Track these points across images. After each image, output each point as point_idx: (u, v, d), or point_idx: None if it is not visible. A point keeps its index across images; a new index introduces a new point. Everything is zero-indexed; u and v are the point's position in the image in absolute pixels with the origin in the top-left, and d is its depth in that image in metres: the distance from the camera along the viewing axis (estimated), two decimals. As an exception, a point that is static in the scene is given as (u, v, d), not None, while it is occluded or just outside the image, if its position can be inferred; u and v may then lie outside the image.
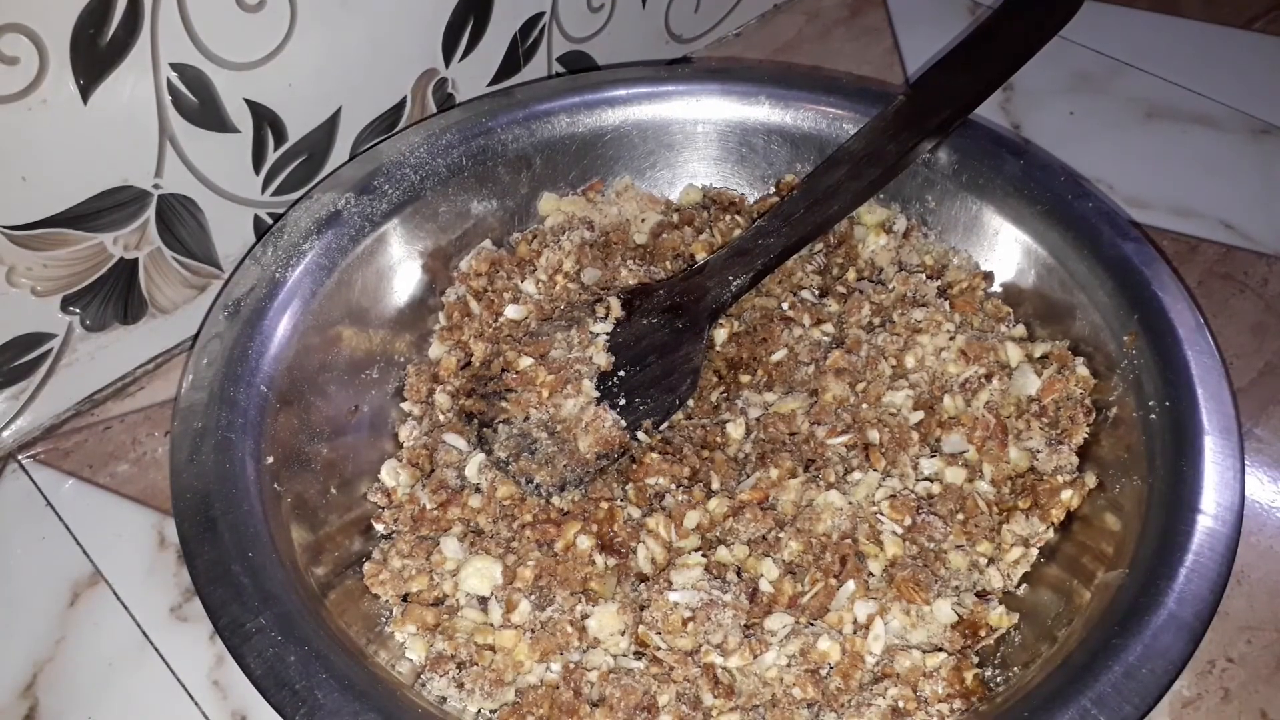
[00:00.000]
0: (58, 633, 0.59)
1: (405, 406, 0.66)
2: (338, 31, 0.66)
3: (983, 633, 0.56)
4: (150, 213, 0.64)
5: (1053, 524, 0.59)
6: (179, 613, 0.60)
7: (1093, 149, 0.86)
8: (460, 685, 0.53)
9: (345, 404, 0.64)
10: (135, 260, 0.66)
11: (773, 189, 0.76)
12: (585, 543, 0.57)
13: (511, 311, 0.67)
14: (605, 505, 0.58)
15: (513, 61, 0.79)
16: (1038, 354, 0.65)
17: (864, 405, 0.62)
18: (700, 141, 0.75)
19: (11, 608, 0.60)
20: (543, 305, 0.67)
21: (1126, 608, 0.50)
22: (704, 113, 0.74)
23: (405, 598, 0.57)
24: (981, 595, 0.57)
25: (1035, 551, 0.59)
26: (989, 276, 0.69)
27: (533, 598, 0.55)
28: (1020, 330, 0.67)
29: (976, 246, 0.70)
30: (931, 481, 0.60)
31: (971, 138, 0.70)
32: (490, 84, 0.79)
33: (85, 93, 0.57)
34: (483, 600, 0.56)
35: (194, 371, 0.58)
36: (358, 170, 0.67)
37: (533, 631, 0.54)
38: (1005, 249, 0.69)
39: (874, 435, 0.61)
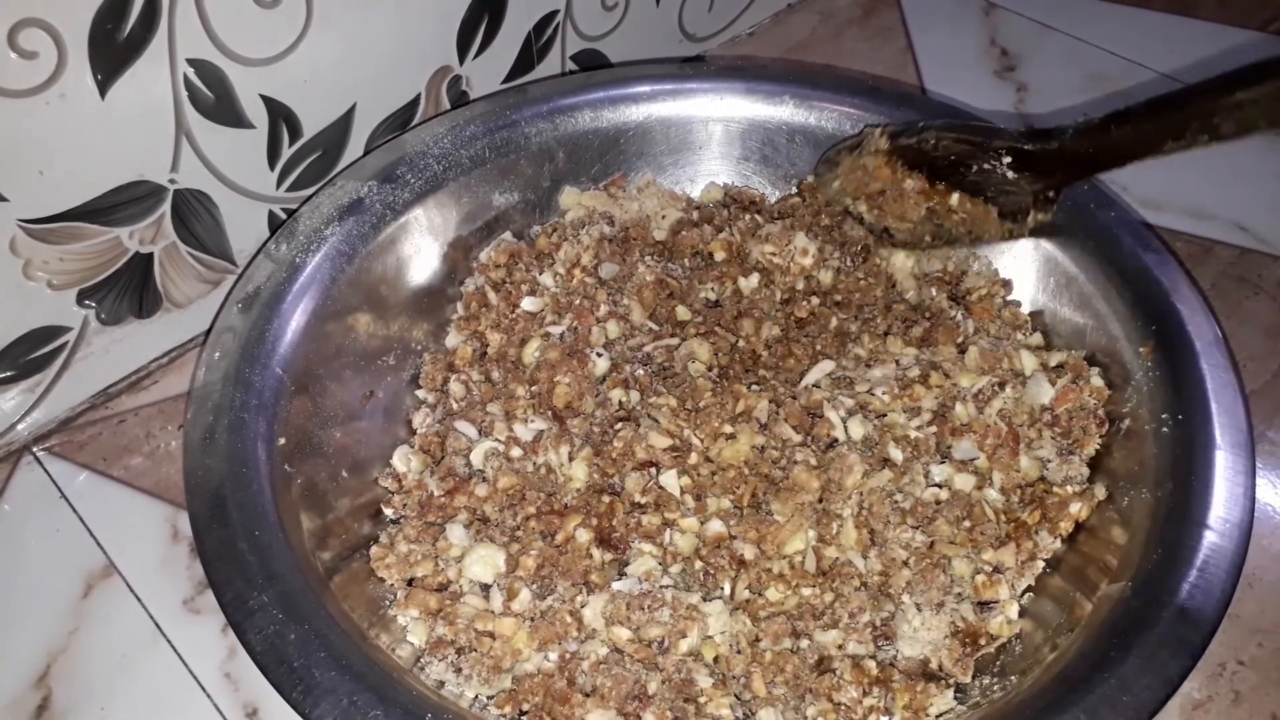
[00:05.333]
0: (71, 624, 0.60)
1: (420, 394, 0.67)
2: (353, 28, 0.66)
3: (983, 641, 0.56)
4: (166, 207, 0.64)
5: (1060, 536, 0.59)
6: (191, 605, 0.61)
7: (1106, 150, 0.85)
8: (458, 670, 0.54)
9: (360, 389, 0.64)
10: (151, 255, 0.66)
11: (795, 189, 0.76)
12: (584, 536, 0.57)
13: (528, 304, 0.68)
14: (607, 500, 0.59)
15: (526, 59, 0.79)
16: (1053, 363, 0.65)
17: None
18: (723, 140, 0.75)
19: (26, 599, 0.61)
20: (559, 298, 0.67)
21: (1127, 621, 0.50)
22: (727, 111, 0.74)
23: (410, 582, 0.58)
24: (985, 604, 0.57)
25: (1041, 563, 0.59)
26: (1007, 284, 0.69)
27: (534, 587, 0.56)
28: (1037, 338, 0.67)
29: (995, 251, 0.70)
30: (940, 487, 0.60)
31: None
32: (504, 81, 0.79)
33: (103, 88, 0.57)
34: (485, 587, 0.57)
35: (206, 365, 0.58)
36: (381, 159, 0.68)
37: (532, 620, 0.55)
38: (1024, 255, 0.68)
39: (895, 454, 0.61)
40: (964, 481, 0.60)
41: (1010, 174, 0.58)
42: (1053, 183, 0.58)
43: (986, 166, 0.58)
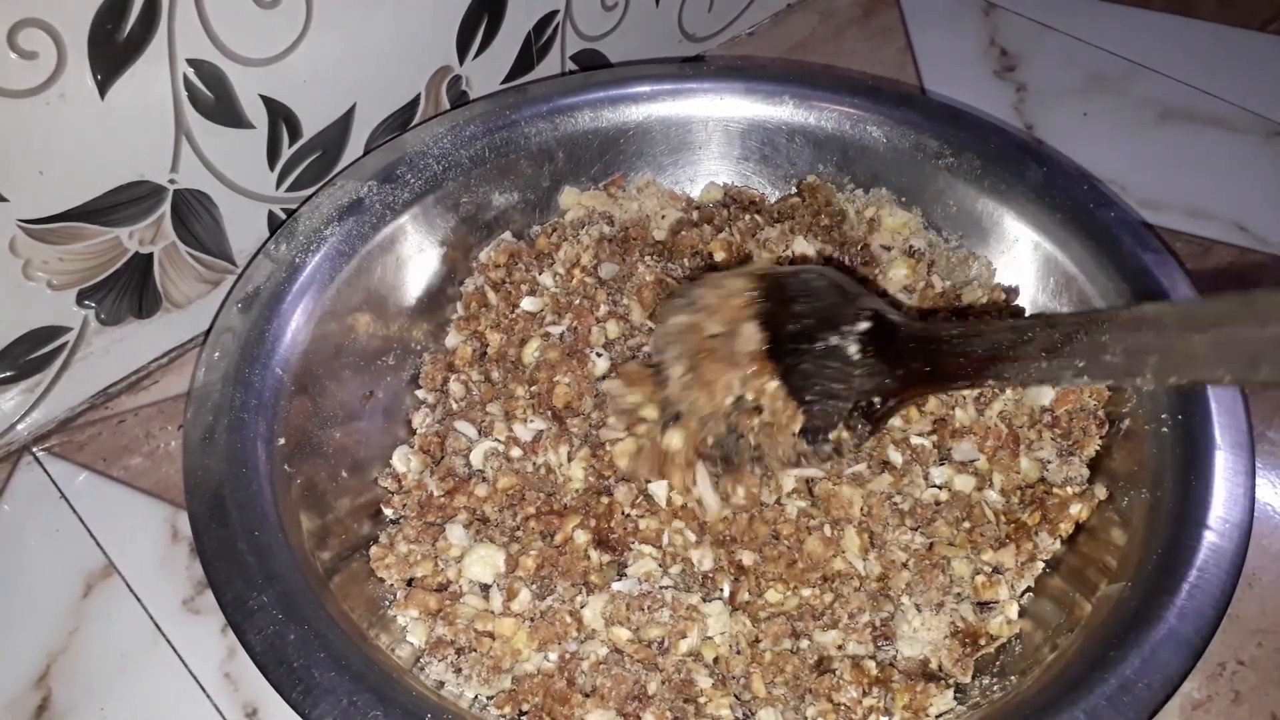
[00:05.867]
0: (71, 624, 0.60)
1: (420, 394, 0.67)
2: (353, 28, 0.66)
3: (983, 641, 0.56)
4: (166, 208, 0.64)
5: (1060, 537, 0.59)
6: (191, 605, 0.61)
7: (1106, 150, 0.85)
8: (458, 670, 0.54)
9: (360, 389, 0.64)
10: (150, 255, 0.66)
11: (794, 189, 0.76)
12: (582, 537, 0.57)
13: (528, 304, 0.68)
14: (606, 501, 0.58)
15: (526, 59, 0.79)
16: None
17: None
18: (723, 140, 0.75)
19: (25, 599, 0.61)
20: (559, 298, 0.67)
21: (1127, 621, 0.50)
22: (727, 111, 0.74)
23: (410, 582, 0.58)
24: (984, 605, 0.57)
25: (1041, 564, 0.59)
26: (1010, 291, 0.69)
27: (534, 587, 0.56)
28: None
29: (995, 252, 0.70)
30: (940, 489, 0.60)
31: (996, 143, 0.70)
32: (504, 82, 0.79)
33: (103, 88, 0.57)
34: (485, 587, 0.57)
35: (206, 365, 0.58)
36: (381, 159, 0.68)
37: (532, 620, 0.55)
38: (1024, 256, 0.68)
39: (895, 456, 0.61)
40: (964, 483, 0.60)
41: (856, 351, 0.49)
42: (888, 386, 0.49)
43: (834, 341, 0.49)
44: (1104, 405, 0.62)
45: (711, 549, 0.57)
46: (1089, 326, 0.44)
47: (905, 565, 0.57)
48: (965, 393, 0.63)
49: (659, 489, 0.58)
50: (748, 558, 0.57)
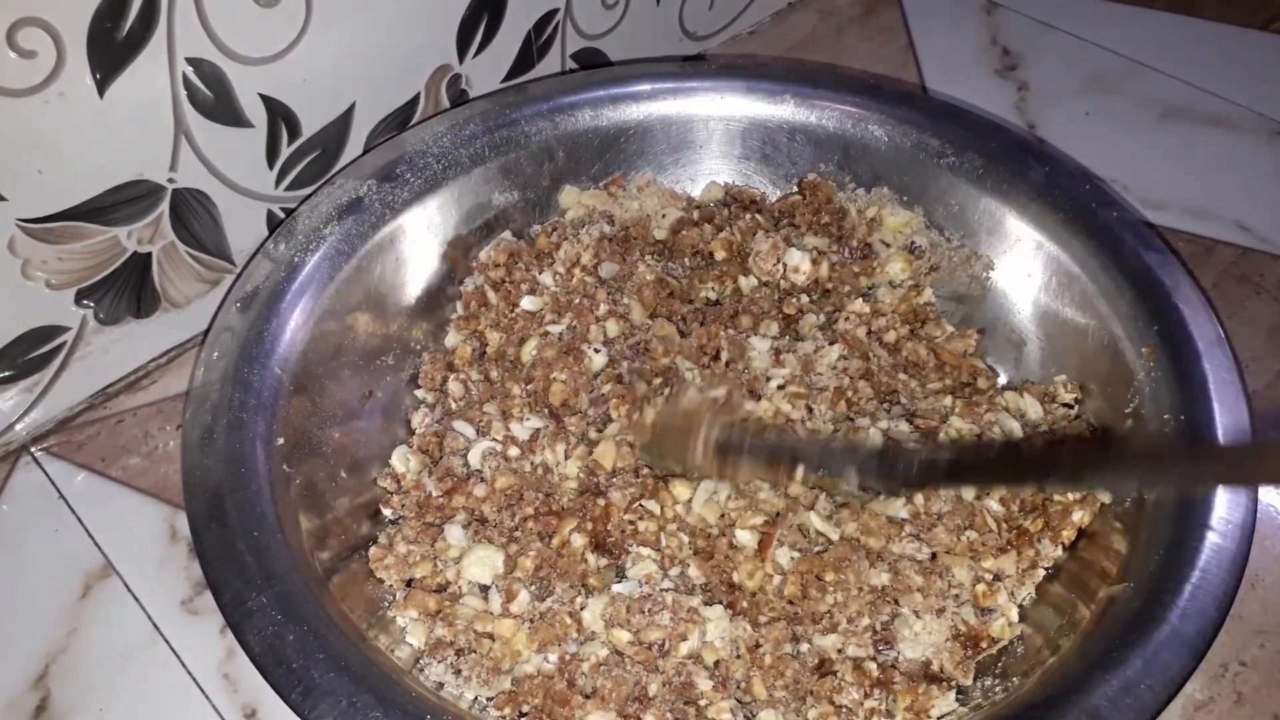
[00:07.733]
0: (70, 624, 0.60)
1: (419, 394, 0.67)
2: (352, 27, 0.66)
3: (984, 644, 0.55)
4: (164, 207, 0.64)
5: (1062, 544, 0.58)
6: (190, 606, 0.60)
7: (1108, 149, 0.85)
8: (458, 671, 0.54)
9: (359, 389, 0.64)
10: (149, 254, 0.66)
11: (795, 188, 0.75)
12: (579, 540, 0.57)
13: (528, 303, 0.67)
14: (602, 504, 0.58)
15: (526, 58, 0.79)
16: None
17: None
18: (723, 139, 0.75)
19: (24, 599, 0.61)
20: (559, 298, 0.67)
21: (1129, 622, 0.50)
22: (728, 110, 0.74)
23: (409, 583, 0.58)
24: (986, 611, 0.57)
25: (1042, 571, 0.58)
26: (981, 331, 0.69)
27: (533, 588, 0.56)
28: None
29: (997, 252, 0.69)
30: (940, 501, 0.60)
31: (998, 142, 0.70)
32: (504, 80, 0.79)
33: (102, 87, 0.57)
34: (484, 588, 0.57)
35: (204, 364, 0.58)
36: (381, 158, 0.67)
37: (531, 621, 0.55)
38: (1026, 255, 0.68)
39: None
40: (964, 490, 0.59)
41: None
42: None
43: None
44: (1092, 413, 0.61)
45: (703, 569, 0.57)
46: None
47: (904, 574, 0.57)
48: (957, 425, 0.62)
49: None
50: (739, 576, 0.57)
